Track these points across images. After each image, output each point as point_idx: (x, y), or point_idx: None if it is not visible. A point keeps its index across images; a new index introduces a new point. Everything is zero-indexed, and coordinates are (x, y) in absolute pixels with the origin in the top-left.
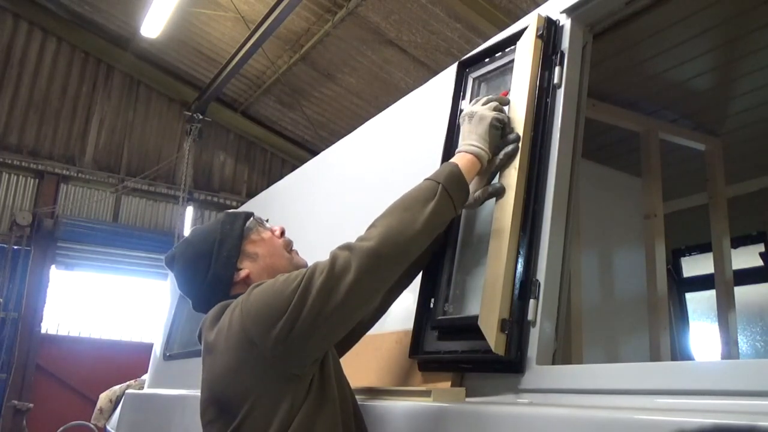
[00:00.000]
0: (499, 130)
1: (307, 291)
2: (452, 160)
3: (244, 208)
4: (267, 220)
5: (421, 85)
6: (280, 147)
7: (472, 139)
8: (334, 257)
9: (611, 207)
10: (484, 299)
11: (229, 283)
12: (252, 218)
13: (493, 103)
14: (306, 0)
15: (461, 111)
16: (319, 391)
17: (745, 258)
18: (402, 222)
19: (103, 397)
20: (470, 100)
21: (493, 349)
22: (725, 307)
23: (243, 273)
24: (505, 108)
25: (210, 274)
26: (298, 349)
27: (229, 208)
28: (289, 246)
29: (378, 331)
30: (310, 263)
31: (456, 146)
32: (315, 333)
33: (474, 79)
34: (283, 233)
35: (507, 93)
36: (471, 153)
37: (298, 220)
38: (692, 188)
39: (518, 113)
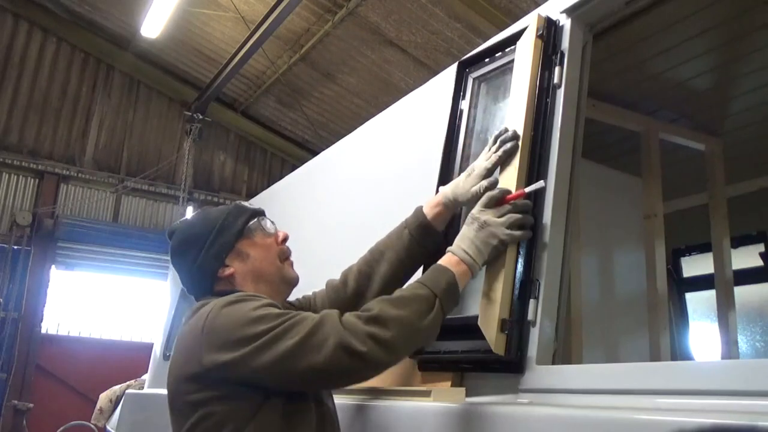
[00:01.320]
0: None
1: (266, 346)
2: (448, 262)
3: None
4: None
5: (421, 85)
6: (280, 147)
7: (470, 247)
8: (315, 326)
9: (611, 207)
10: (484, 299)
11: (214, 275)
12: (257, 219)
13: (510, 218)
14: (306, 0)
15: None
16: (270, 404)
17: (745, 258)
18: (399, 335)
19: (103, 397)
20: (470, 100)
21: (493, 349)
22: (725, 307)
23: (228, 270)
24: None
25: (198, 261)
26: (238, 383)
27: None
28: (283, 255)
29: None
30: (304, 268)
31: (455, 148)
32: (258, 382)
33: (474, 79)
34: (284, 240)
35: (524, 195)
36: (466, 263)
37: (298, 220)
38: (692, 188)
39: (518, 113)
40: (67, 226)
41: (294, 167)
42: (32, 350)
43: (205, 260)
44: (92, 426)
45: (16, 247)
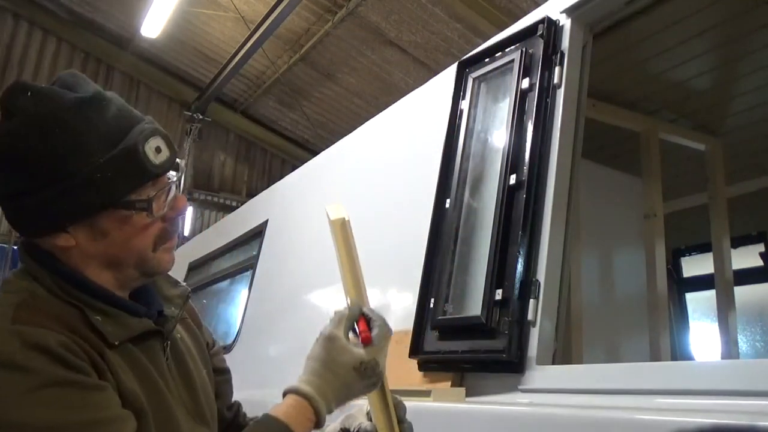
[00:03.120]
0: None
1: None
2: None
3: (244, 209)
4: (180, 179)
5: (421, 85)
6: (280, 147)
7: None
8: None
9: (611, 207)
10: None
11: (41, 235)
12: (154, 195)
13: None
14: (306, 0)
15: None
16: None
17: (745, 258)
18: None
19: None
20: (470, 100)
21: None
22: (725, 307)
23: (66, 242)
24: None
25: (23, 202)
26: None
27: (230, 208)
28: (164, 237)
29: None
30: (302, 267)
31: (455, 148)
32: None
33: (474, 79)
34: (178, 214)
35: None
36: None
37: (298, 220)
38: (692, 188)
39: None
40: None
41: (294, 167)
42: None
43: (34, 210)
44: None
45: (16, 247)
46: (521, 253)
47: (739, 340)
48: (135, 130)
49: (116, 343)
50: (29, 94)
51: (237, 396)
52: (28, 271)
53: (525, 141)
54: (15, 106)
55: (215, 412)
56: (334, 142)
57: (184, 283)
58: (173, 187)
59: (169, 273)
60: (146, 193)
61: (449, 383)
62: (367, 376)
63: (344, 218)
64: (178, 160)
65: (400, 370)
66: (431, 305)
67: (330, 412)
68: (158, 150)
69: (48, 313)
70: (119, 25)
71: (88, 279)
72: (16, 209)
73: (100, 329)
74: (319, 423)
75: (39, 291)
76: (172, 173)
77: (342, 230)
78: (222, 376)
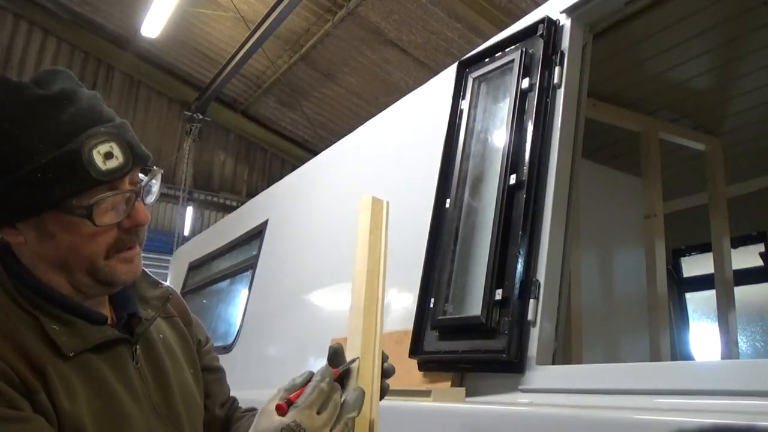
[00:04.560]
0: None
1: None
2: None
3: (244, 209)
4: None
5: (421, 85)
6: (280, 147)
7: None
8: None
9: (611, 207)
10: None
11: None
12: (103, 197)
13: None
14: (306, 0)
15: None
16: None
17: (745, 258)
18: None
19: None
20: (470, 100)
21: None
22: (725, 307)
23: (14, 237)
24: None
25: None
26: None
27: (230, 208)
28: (120, 246)
29: None
30: (302, 268)
31: (455, 148)
32: None
33: (474, 79)
34: (134, 226)
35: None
36: None
37: (298, 220)
38: (692, 188)
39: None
40: None
41: (294, 167)
42: None
43: None
44: None
45: None
46: (521, 253)
47: (739, 340)
48: (88, 132)
49: (71, 354)
50: None
51: (237, 396)
52: None
53: (525, 141)
54: None
55: (200, 411)
56: (334, 142)
57: (166, 284)
58: (133, 196)
59: (169, 273)
60: (89, 199)
61: (449, 383)
62: None
63: (386, 201)
64: (140, 174)
65: (400, 370)
66: (431, 305)
67: None
68: (108, 156)
69: None
70: (119, 25)
71: (46, 285)
72: None
73: (55, 340)
74: None
75: None
76: (146, 180)
77: (379, 211)
78: (213, 374)
